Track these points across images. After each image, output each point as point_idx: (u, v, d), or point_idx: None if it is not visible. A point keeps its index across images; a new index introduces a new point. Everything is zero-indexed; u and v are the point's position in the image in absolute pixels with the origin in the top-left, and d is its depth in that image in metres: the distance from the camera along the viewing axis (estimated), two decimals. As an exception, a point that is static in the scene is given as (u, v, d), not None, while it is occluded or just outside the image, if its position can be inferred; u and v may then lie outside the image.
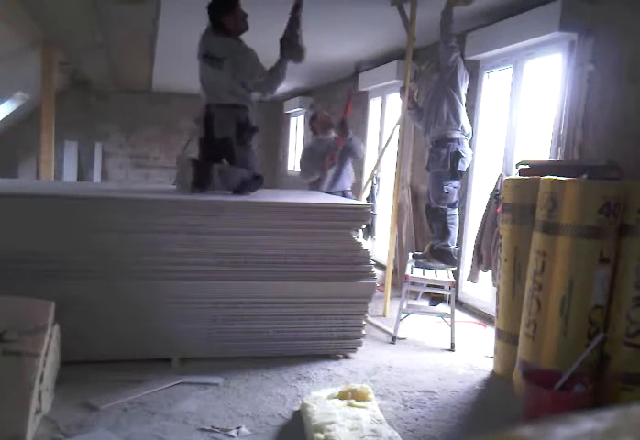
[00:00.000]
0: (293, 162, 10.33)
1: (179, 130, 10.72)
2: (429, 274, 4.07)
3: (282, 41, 3.73)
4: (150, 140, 10.96)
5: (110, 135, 10.76)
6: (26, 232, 2.96)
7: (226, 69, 3.62)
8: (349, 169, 5.27)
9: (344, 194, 5.13)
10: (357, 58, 6.35)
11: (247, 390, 2.90)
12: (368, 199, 5.61)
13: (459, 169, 4.07)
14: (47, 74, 6.32)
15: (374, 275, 3.44)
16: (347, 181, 5.25)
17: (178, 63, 7.27)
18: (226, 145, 3.68)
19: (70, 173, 10.24)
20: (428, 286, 4.18)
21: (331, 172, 5.12)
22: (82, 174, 10.49)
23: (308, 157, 5.30)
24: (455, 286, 4.04)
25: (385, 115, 6.43)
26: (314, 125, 5.26)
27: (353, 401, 2.63)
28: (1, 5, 4.52)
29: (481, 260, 4.10)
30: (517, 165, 3.47)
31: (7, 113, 8.09)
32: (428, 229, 4.52)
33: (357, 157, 5.30)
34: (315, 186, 5.14)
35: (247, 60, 3.64)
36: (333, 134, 5.17)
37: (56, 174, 7.98)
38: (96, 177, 10.58)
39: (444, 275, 4.06)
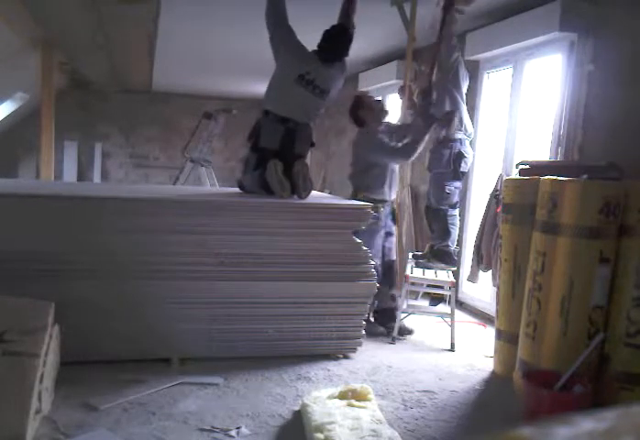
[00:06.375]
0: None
1: (179, 130, 10.71)
2: (429, 274, 4.07)
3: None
4: (150, 140, 10.94)
5: (110, 135, 10.74)
6: (26, 232, 2.96)
7: (324, 98, 3.75)
8: (396, 175, 4.15)
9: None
10: (357, 58, 6.34)
11: (247, 390, 2.90)
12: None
13: (462, 169, 4.04)
14: (47, 74, 6.30)
15: (374, 275, 3.45)
16: (393, 191, 4.11)
17: (178, 63, 7.28)
18: (301, 161, 3.71)
19: (70, 173, 10.23)
20: (428, 286, 4.18)
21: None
22: (82, 174, 10.49)
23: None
24: (455, 286, 4.03)
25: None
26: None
27: (353, 401, 2.62)
28: (1, 5, 4.52)
29: (481, 260, 4.09)
30: (517, 165, 3.47)
31: (7, 113, 8.08)
32: (428, 229, 4.51)
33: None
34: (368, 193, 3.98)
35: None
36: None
37: (56, 174, 7.98)
38: (96, 177, 10.57)
39: (444, 275, 4.06)
